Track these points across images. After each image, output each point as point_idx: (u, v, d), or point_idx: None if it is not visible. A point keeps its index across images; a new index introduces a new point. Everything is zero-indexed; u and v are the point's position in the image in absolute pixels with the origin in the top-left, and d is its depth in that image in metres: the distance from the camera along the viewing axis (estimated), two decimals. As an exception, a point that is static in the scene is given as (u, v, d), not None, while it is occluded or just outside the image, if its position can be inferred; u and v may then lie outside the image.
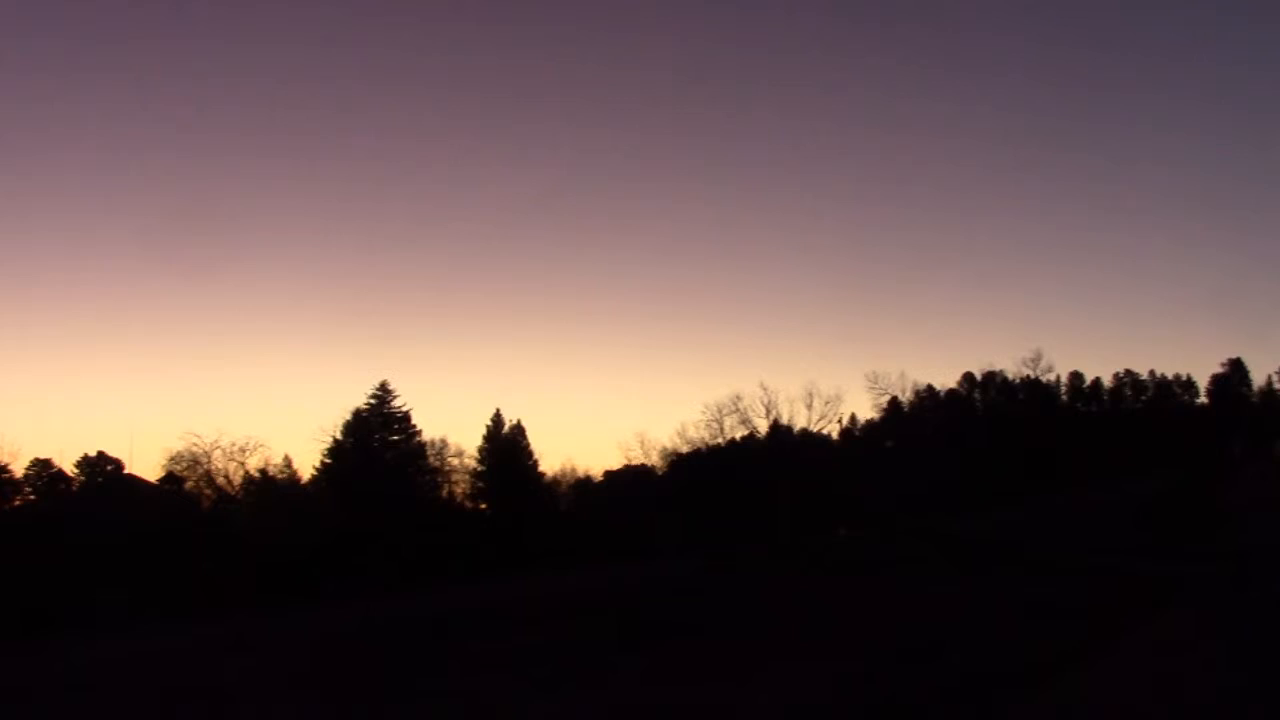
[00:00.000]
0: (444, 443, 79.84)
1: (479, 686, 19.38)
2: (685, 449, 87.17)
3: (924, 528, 66.50)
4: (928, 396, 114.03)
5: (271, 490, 74.56)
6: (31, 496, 76.07)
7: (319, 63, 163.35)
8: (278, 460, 75.65)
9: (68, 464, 77.13)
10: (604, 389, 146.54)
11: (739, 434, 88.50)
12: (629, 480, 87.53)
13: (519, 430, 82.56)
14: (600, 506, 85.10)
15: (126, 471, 77.07)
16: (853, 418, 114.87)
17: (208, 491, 74.41)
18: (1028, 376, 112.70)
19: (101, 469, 76.80)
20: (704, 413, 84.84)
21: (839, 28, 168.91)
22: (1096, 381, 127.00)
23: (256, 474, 74.21)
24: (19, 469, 73.07)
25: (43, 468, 75.93)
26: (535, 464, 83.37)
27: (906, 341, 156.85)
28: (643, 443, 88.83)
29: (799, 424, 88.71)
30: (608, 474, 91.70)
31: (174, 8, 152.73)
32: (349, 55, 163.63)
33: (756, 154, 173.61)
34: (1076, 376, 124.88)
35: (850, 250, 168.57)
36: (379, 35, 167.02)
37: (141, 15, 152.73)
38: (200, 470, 73.62)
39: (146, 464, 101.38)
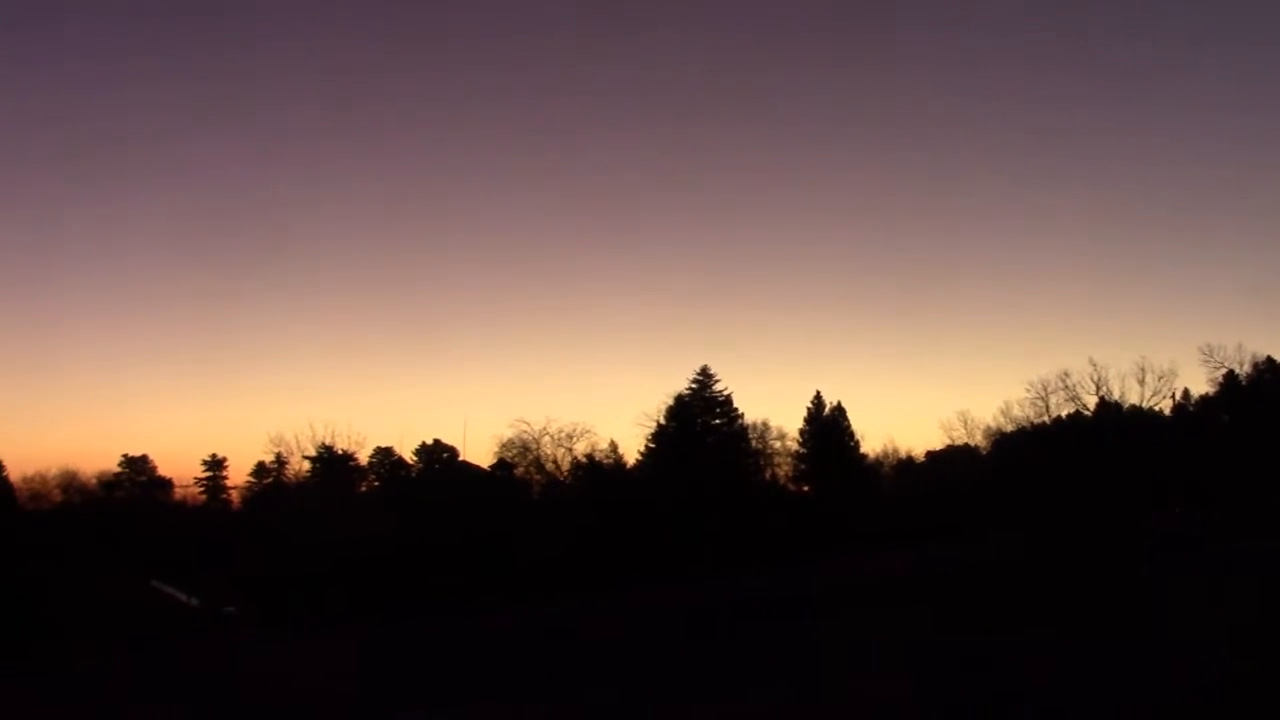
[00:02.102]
0: (765, 425, 78.49)
1: (801, 668, 18.48)
2: (1009, 428, 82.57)
3: (1269, 505, 60.39)
4: (1267, 369, 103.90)
5: (598, 475, 75.11)
6: (375, 483, 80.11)
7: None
8: (603, 445, 75.97)
9: (407, 452, 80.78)
10: (927, 368, 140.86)
11: (1065, 411, 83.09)
12: (951, 460, 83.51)
13: (840, 411, 79.89)
14: (922, 487, 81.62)
15: (461, 459, 79.61)
16: (1185, 393, 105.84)
17: (537, 477, 75.88)
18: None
19: (438, 456, 79.70)
20: (1028, 390, 79.66)
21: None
22: None
23: (583, 459, 75.05)
24: (364, 457, 77.24)
25: (385, 455, 79.82)
26: (856, 445, 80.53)
27: (1244, 311, 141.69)
28: (965, 422, 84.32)
29: (1130, 400, 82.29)
30: (929, 454, 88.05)
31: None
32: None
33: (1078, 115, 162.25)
34: None
35: (1185, 216, 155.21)
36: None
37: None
38: (530, 456, 75.11)
39: (479, 451, 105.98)
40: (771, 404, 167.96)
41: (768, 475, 79.19)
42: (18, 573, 58.92)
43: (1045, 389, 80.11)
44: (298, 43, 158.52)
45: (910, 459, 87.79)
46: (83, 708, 22.22)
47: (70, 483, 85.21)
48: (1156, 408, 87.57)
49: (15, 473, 77.99)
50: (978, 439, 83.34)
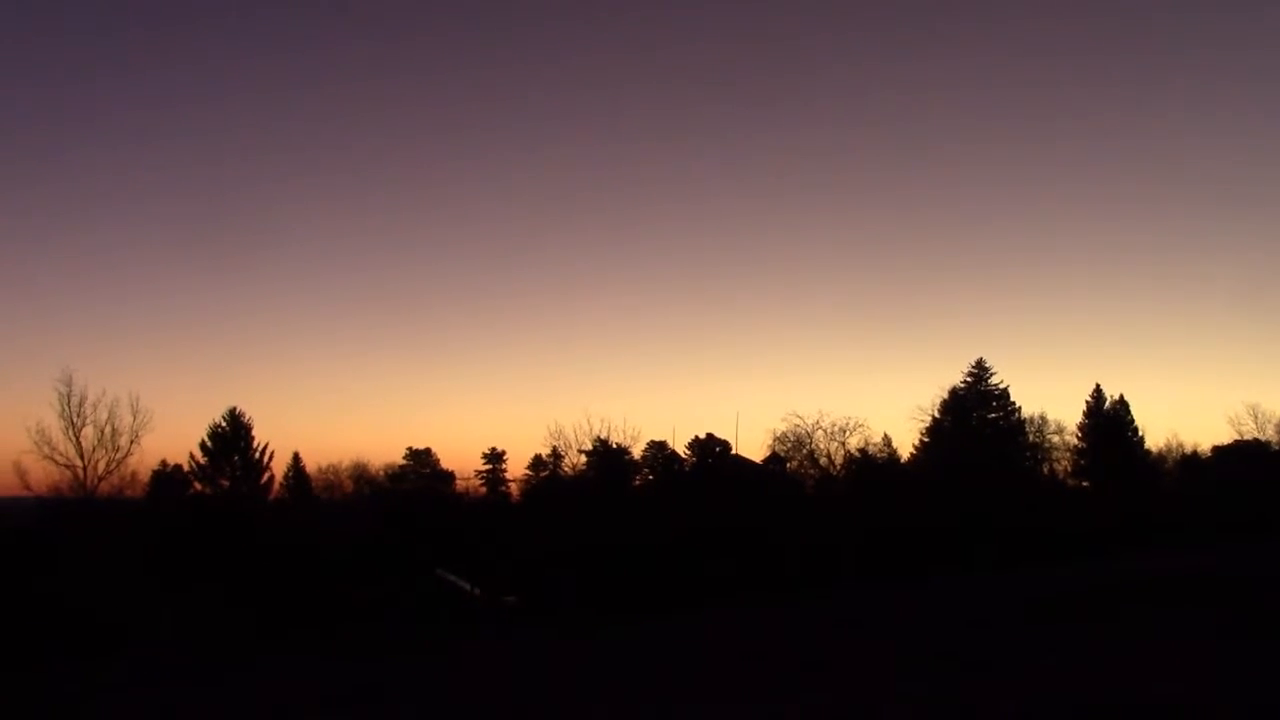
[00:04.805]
0: (1043, 419, 77.15)
1: (1091, 668, 17.65)
2: (1303, 421, 78.42)
3: None
4: None
5: (871, 469, 75.63)
6: (649, 476, 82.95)
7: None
8: (877, 439, 76.45)
9: (680, 445, 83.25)
10: (1212, 358, 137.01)
11: (1366, 401, 78.42)
12: (1240, 456, 79.91)
13: (1121, 405, 77.79)
14: (1208, 483, 78.48)
15: (733, 453, 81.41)
16: None
17: (811, 471, 76.91)
18: None
19: (710, 450, 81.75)
20: (1323, 381, 75.80)
21: None
22: None
23: (856, 453, 75.68)
24: (638, 450, 79.96)
25: (658, 449, 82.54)
26: (1140, 440, 78.25)
27: None
28: (1255, 415, 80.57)
29: None
30: (1216, 449, 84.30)
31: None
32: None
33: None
34: None
35: None
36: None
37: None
38: (803, 451, 76.18)
39: (751, 445, 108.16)
40: (1049, 398, 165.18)
41: (1045, 470, 77.99)
42: (314, 557, 64.38)
43: (1343, 378, 76.12)
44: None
45: (1196, 454, 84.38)
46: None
47: (360, 474, 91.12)
48: None
49: (311, 464, 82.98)
50: (1269, 433, 79.81)
